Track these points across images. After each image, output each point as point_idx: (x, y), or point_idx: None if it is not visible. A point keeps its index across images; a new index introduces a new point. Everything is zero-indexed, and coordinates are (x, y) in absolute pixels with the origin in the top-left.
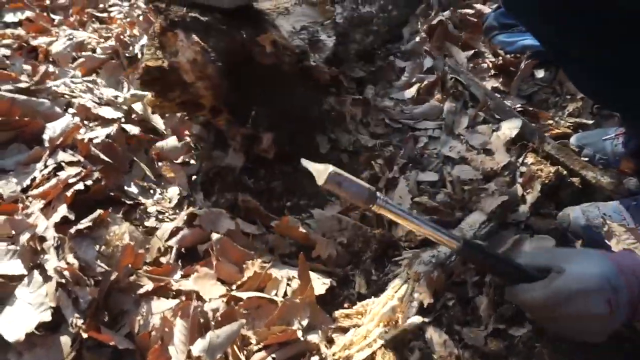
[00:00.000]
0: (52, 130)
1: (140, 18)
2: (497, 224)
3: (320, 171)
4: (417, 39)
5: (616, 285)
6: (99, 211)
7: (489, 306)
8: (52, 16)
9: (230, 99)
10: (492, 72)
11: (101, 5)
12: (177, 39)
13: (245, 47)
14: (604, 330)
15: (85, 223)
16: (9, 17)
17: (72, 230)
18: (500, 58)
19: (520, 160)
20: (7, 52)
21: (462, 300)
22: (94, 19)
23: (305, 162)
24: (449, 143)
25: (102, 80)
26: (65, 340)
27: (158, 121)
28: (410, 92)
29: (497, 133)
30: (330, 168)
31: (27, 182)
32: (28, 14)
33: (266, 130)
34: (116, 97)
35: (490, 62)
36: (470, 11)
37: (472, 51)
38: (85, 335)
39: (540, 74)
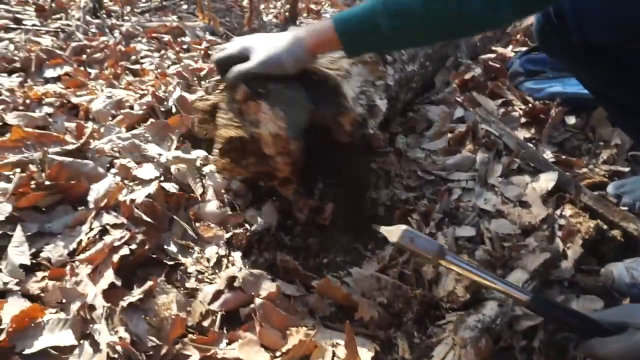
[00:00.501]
0: (96, 191)
1: (172, 69)
2: (540, 282)
3: (393, 231)
4: (448, 89)
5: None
6: (149, 283)
7: None
8: (89, 70)
9: (301, 169)
10: (523, 119)
11: (133, 57)
12: (260, 109)
13: (326, 123)
14: None
15: (136, 295)
16: (49, 73)
17: (125, 304)
18: (530, 105)
19: (558, 212)
20: (50, 110)
21: None
22: (127, 72)
23: (376, 226)
24: (483, 195)
25: (148, 136)
26: None
27: (195, 181)
28: (442, 143)
29: (533, 185)
30: (403, 227)
31: (74, 245)
32: (67, 69)
33: (329, 200)
34: (160, 154)
35: (520, 109)
36: (492, 55)
37: (501, 100)
38: None
39: (571, 120)
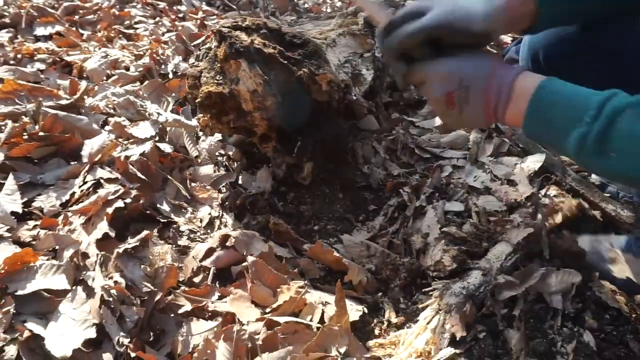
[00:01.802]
0: (90, 146)
1: (169, 37)
2: (522, 255)
3: None
4: None
5: (468, 84)
6: (145, 232)
7: (520, 340)
8: (81, 31)
9: (279, 127)
10: None
11: (127, 22)
12: (239, 67)
13: (302, 83)
14: (453, 121)
15: (132, 243)
16: (40, 31)
17: (120, 250)
18: None
19: (543, 192)
20: (42, 66)
21: (492, 333)
22: (120, 35)
23: None
24: (473, 173)
25: (144, 94)
26: (108, 357)
27: (190, 142)
28: (436, 121)
29: (521, 165)
30: None
31: (67, 197)
32: (58, 28)
33: (308, 159)
34: (158, 113)
35: None
36: None
37: None
38: (133, 355)
39: None
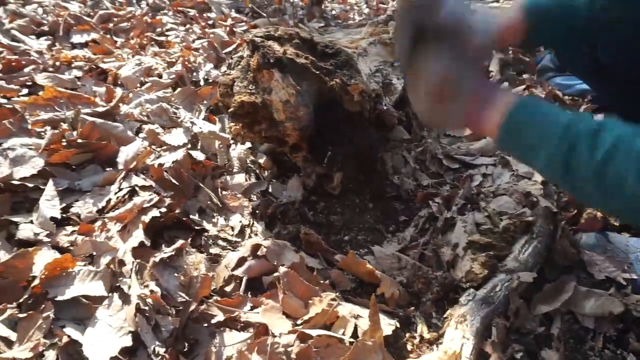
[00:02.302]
0: (126, 153)
1: (200, 43)
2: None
3: None
4: None
5: (460, 83)
6: (180, 241)
7: None
8: (115, 38)
9: (311, 137)
10: None
11: (159, 29)
12: (272, 77)
13: (335, 93)
14: (432, 115)
15: (168, 252)
16: (77, 38)
17: (156, 259)
18: (559, 100)
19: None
20: (79, 73)
21: (530, 353)
22: (152, 42)
23: None
24: (502, 177)
25: (177, 101)
26: None
27: (222, 151)
28: (467, 130)
29: None
30: None
31: (103, 203)
32: (94, 35)
33: (338, 169)
34: (192, 122)
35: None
36: None
37: (524, 88)
38: None
39: (599, 117)
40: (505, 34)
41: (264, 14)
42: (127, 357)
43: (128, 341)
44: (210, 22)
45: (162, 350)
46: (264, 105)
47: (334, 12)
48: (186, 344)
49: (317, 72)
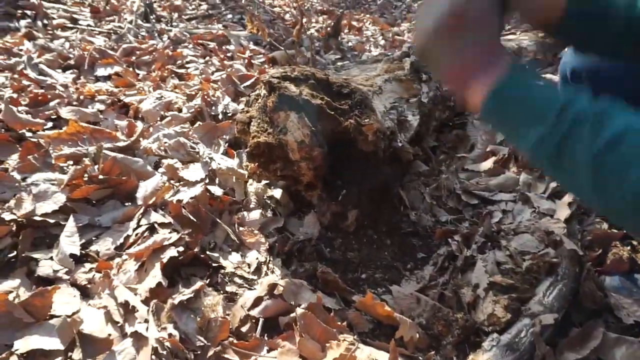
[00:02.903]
0: (145, 189)
1: (219, 76)
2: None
3: None
4: None
5: (481, 26)
6: (199, 282)
7: None
8: (137, 71)
9: (325, 176)
10: None
11: (179, 62)
12: (288, 118)
13: (349, 133)
14: (431, 47)
15: (187, 294)
16: (101, 72)
17: (175, 302)
18: None
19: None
20: (101, 107)
21: None
22: (173, 75)
23: None
24: (522, 213)
25: (195, 136)
26: None
27: (239, 187)
28: (486, 165)
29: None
30: None
31: (121, 240)
32: (117, 69)
33: (353, 207)
34: (211, 158)
35: None
36: None
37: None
38: None
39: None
40: (545, 4)
41: (281, 47)
42: None
43: None
44: (229, 54)
45: None
46: (280, 145)
47: (350, 44)
48: None
49: (332, 113)
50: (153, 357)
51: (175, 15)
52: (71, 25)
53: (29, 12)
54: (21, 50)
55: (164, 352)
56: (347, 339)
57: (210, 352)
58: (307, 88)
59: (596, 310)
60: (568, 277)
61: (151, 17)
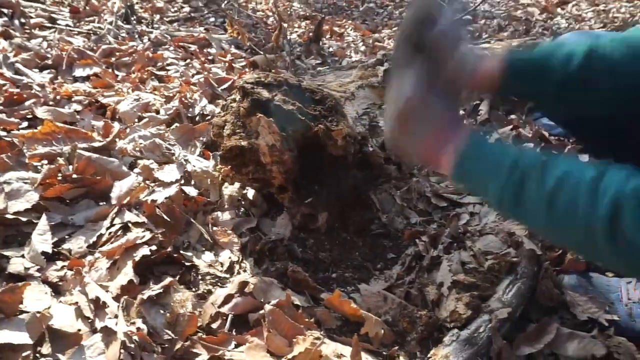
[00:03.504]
0: (120, 188)
1: (198, 79)
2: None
3: None
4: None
5: (425, 113)
6: (168, 279)
7: None
8: (116, 72)
9: (296, 179)
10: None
11: (160, 64)
12: (259, 123)
13: (319, 138)
14: (395, 136)
15: (156, 290)
16: (79, 72)
17: (144, 297)
18: (544, 140)
19: None
20: (78, 107)
21: None
22: (153, 77)
23: None
24: (488, 216)
25: (172, 137)
26: None
27: (214, 188)
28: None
29: None
30: None
31: (94, 239)
32: (96, 69)
33: (323, 209)
34: (186, 160)
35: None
36: None
37: (512, 128)
38: None
39: (584, 158)
40: (481, 76)
41: (261, 52)
42: None
43: None
44: (210, 57)
45: None
46: (252, 148)
47: (331, 50)
48: None
49: (303, 118)
50: (122, 351)
51: (157, 17)
52: (49, 25)
53: (5, 11)
54: None
55: (132, 346)
56: (314, 335)
57: (178, 346)
58: (280, 94)
59: (553, 307)
60: (527, 276)
61: (132, 18)
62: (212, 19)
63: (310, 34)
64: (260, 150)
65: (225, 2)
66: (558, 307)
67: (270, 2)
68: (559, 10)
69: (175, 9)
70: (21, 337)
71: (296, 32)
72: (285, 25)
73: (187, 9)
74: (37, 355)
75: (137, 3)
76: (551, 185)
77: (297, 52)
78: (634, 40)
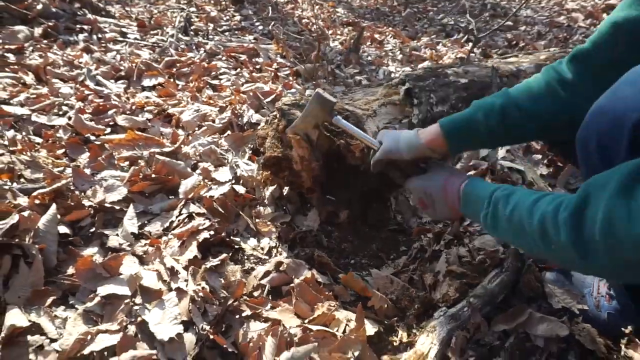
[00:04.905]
0: (185, 186)
1: (247, 87)
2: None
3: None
4: None
5: (431, 193)
6: (223, 254)
7: None
8: (177, 82)
9: (323, 182)
10: (545, 162)
11: (213, 73)
12: (293, 138)
13: (341, 151)
14: (431, 216)
15: (215, 262)
16: (146, 82)
17: (207, 266)
18: (551, 153)
19: None
20: (149, 116)
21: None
22: (208, 86)
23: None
24: None
25: (225, 144)
26: (191, 338)
27: (257, 187)
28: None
29: None
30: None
31: (167, 224)
32: (160, 80)
33: (344, 208)
34: (237, 164)
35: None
36: None
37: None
38: (211, 337)
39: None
40: (430, 145)
41: (304, 64)
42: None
43: (180, 329)
44: (257, 66)
45: (207, 327)
46: (287, 158)
47: (369, 58)
48: (223, 327)
49: (328, 135)
50: (190, 304)
51: (211, 26)
52: (121, 39)
53: (85, 27)
54: (81, 62)
55: (198, 300)
56: (331, 304)
57: (230, 302)
58: None
59: (533, 297)
60: (511, 270)
61: (189, 29)
62: (261, 27)
63: (352, 40)
64: (293, 160)
65: (271, 11)
66: (538, 297)
67: (315, 10)
68: (604, 15)
69: (227, 17)
70: (123, 290)
71: (338, 39)
72: (330, 31)
73: (238, 17)
74: (133, 303)
75: (193, 12)
76: (510, 211)
77: (337, 61)
78: (535, 85)
